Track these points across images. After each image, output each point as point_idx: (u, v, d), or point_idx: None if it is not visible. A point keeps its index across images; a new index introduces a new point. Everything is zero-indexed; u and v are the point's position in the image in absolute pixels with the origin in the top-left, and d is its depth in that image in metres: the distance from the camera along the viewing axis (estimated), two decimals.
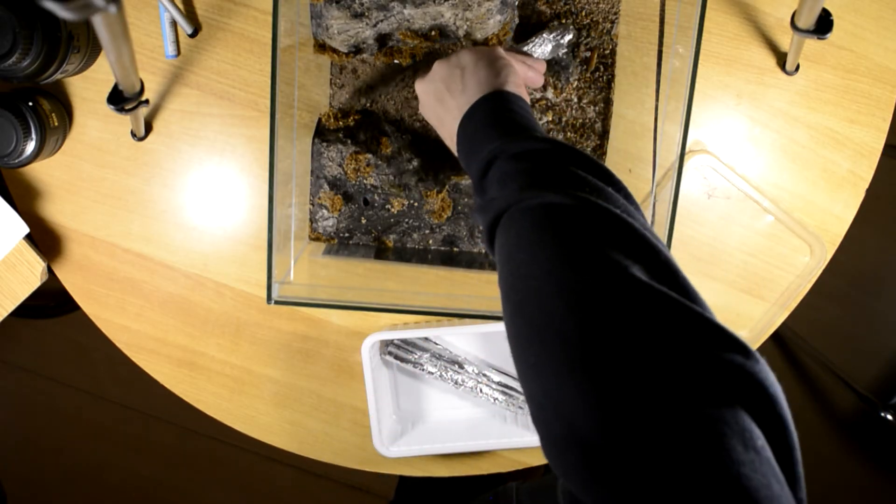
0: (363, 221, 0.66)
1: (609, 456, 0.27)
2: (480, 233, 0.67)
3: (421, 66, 0.65)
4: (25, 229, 0.66)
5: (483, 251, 0.68)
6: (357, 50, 0.61)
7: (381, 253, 0.66)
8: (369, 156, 0.63)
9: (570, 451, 0.29)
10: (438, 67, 0.55)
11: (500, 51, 0.55)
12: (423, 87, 0.56)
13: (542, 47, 0.62)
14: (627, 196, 0.39)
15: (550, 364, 0.31)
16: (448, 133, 0.54)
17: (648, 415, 0.27)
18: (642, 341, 0.29)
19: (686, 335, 0.29)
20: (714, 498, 0.25)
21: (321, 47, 0.62)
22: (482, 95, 0.50)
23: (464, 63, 0.53)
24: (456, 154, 0.53)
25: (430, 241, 0.67)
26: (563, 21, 0.63)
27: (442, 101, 0.54)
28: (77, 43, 0.60)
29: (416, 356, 0.70)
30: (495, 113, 0.48)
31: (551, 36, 0.61)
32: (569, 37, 0.62)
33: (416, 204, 0.65)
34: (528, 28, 0.63)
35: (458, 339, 0.72)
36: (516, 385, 0.71)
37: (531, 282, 0.34)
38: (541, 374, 0.32)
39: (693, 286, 0.33)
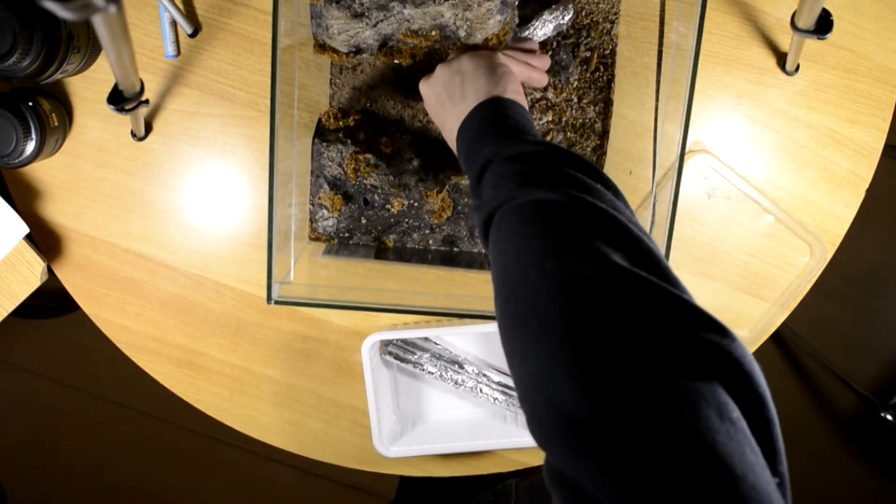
0: (363, 221, 0.66)
1: (592, 428, 0.28)
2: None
3: (422, 65, 0.65)
4: (25, 229, 0.66)
5: (483, 251, 0.68)
6: (357, 50, 0.61)
7: (381, 253, 0.66)
8: (369, 156, 0.63)
9: (556, 426, 0.30)
10: (440, 72, 0.56)
11: (501, 56, 0.56)
12: (427, 90, 0.58)
13: (543, 28, 0.62)
14: (616, 193, 0.41)
15: (536, 347, 0.33)
16: (450, 136, 0.55)
17: (629, 389, 0.28)
18: (622, 321, 0.31)
19: (664, 315, 0.31)
20: (690, 464, 0.26)
21: (321, 47, 0.62)
22: (479, 102, 0.51)
23: (464, 70, 0.54)
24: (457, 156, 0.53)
25: (430, 241, 0.67)
26: (563, 0, 0.63)
27: (443, 106, 0.55)
28: (77, 43, 0.60)
29: (416, 356, 0.70)
30: (491, 119, 0.49)
31: (552, 16, 0.61)
32: (569, 16, 0.62)
33: (416, 204, 0.65)
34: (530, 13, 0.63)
35: (458, 339, 0.72)
36: None
37: (518, 273, 0.36)
38: (527, 358, 0.33)
39: (675, 274, 0.35)
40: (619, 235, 0.35)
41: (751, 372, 0.29)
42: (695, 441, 0.26)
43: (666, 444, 0.26)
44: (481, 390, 0.71)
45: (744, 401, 0.29)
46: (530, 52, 0.59)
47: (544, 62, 0.59)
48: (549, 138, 0.66)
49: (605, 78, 0.65)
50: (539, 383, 0.32)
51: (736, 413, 0.28)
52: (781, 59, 0.65)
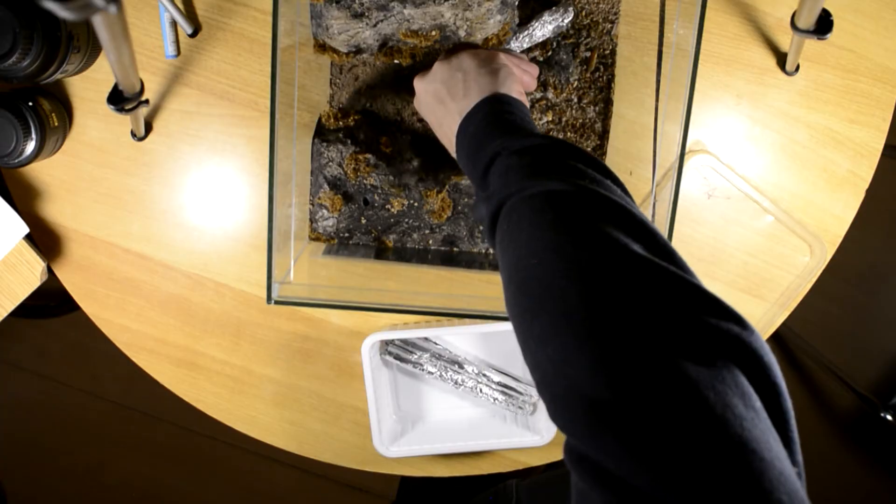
0: (363, 221, 0.66)
1: (617, 411, 0.28)
2: (481, 231, 0.67)
3: (422, 65, 0.65)
4: (25, 229, 0.66)
5: (483, 251, 0.68)
6: (357, 50, 0.61)
7: (381, 253, 0.66)
8: (369, 156, 0.63)
9: (578, 409, 0.30)
10: (439, 68, 0.56)
11: (502, 56, 0.56)
12: (423, 87, 0.57)
13: (543, 29, 0.62)
14: (625, 191, 0.41)
15: (555, 332, 0.33)
16: (446, 133, 0.55)
17: (653, 373, 0.28)
18: (644, 307, 0.31)
19: (685, 303, 0.31)
20: (719, 448, 0.26)
21: (321, 47, 0.62)
22: (483, 98, 0.51)
23: (465, 67, 0.54)
24: (454, 154, 0.53)
25: (430, 241, 0.67)
26: (563, 1, 0.63)
27: (442, 103, 0.54)
28: (77, 43, 0.60)
29: (416, 356, 0.70)
30: (496, 114, 0.49)
31: (551, 17, 0.61)
32: (569, 17, 0.62)
33: (416, 204, 0.65)
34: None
35: (458, 339, 0.72)
36: (516, 385, 0.71)
37: (533, 259, 0.36)
38: (546, 343, 0.33)
39: (690, 268, 0.35)
40: (635, 227, 0.35)
41: (769, 363, 0.30)
42: (722, 426, 0.26)
43: (694, 428, 0.27)
44: (481, 390, 0.71)
45: (761, 391, 0.29)
46: (521, 57, 0.59)
47: (534, 69, 0.59)
48: None
49: (605, 78, 0.65)
50: (560, 367, 0.32)
51: (758, 403, 0.28)
52: (781, 59, 0.65)
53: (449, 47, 0.60)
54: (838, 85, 0.66)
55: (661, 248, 0.34)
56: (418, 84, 0.58)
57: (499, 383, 0.71)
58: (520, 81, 0.55)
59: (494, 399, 0.71)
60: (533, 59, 0.64)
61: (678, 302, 0.31)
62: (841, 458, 1.45)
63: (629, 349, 0.29)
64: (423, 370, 0.70)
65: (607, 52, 0.64)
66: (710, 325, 0.30)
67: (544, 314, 0.34)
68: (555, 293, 0.33)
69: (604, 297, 0.32)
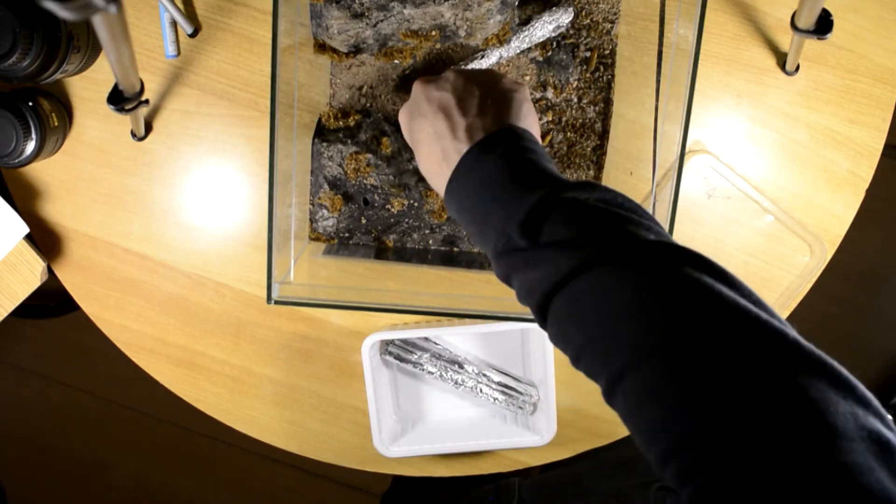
0: (363, 221, 0.66)
1: (775, 497, 0.28)
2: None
3: (422, 65, 0.65)
4: (25, 229, 0.66)
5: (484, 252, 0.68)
6: (357, 50, 0.61)
7: (381, 253, 0.66)
8: (369, 156, 0.63)
9: (735, 496, 0.29)
10: (454, 77, 0.50)
11: (527, 88, 0.53)
12: (426, 92, 0.51)
13: (543, 29, 0.62)
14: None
15: (712, 425, 0.32)
16: (440, 147, 0.48)
17: (816, 460, 0.29)
18: (783, 380, 0.31)
19: (824, 379, 0.33)
20: None
21: (321, 47, 0.62)
22: (504, 126, 0.46)
23: (488, 84, 0.49)
24: (436, 175, 0.49)
25: (430, 241, 0.67)
26: (563, 2, 0.63)
27: (448, 115, 0.48)
28: (77, 43, 0.60)
29: (416, 356, 0.70)
30: (526, 152, 0.45)
31: (551, 17, 0.61)
32: (569, 17, 0.62)
33: (416, 204, 0.65)
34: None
35: (458, 339, 0.72)
36: (516, 385, 0.71)
37: (686, 330, 0.35)
38: (702, 416, 0.32)
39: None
40: (740, 285, 0.37)
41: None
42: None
43: None
44: (481, 390, 0.71)
45: None
46: None
47: None
48: (548, 138, 0.66)
49: (605, 78, 0.65)
50: (710, 453, 0.31)
51: None
52: (781, 59, 0.65)
53: (451, 48, 0.60)
54: (838, 85, 0.66)
55: (767, 308, 0.36)
56: (420, 88, 0.52)
57: (499, 383, 0.71)
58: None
59: (494, 399, 0.71)
60: (533, 59, 0.64)
61: (815, 377, 0.32)
62: None
63: (788, 433, 0.30)
64: (423, 370, 0.70)
65: (607, 52, 0.64)
66: (861, 422, 0.31)
67: (705, 403, 0.33)
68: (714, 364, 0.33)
69: (751, 369, 0.32)
